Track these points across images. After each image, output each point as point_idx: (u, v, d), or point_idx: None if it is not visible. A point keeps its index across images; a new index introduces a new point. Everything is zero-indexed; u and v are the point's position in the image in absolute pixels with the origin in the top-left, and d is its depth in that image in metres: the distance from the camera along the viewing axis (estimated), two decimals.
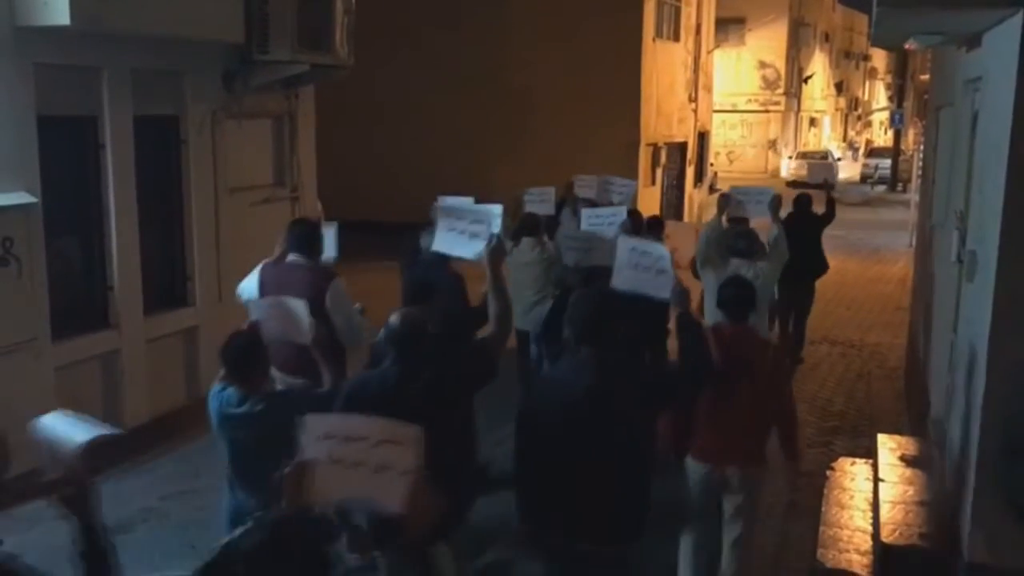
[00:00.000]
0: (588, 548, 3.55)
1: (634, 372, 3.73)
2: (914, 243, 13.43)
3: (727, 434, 4.64)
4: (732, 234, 6.67)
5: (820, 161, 34.96)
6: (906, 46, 6.50)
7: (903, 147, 36.35)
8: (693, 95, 23.32)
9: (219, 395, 4.03)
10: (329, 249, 5.99)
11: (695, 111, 23.58)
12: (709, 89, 25.61)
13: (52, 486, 2.53)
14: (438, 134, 19.62)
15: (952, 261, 5.93)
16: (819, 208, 10.30)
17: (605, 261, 5.35)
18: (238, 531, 2.32)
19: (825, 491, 6.98)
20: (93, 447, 2.66)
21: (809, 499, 6.85)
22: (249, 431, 3.87)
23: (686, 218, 22.29)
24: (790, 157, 38.28)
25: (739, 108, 41.02)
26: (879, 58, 57.64)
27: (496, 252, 4.16)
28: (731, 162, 40.35)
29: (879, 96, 61.59)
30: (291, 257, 5.37)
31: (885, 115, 52.77)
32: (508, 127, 19.13)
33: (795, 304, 9.77)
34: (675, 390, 3.91)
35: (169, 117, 8.23)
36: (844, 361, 10.74)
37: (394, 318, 3.84)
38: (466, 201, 6.88)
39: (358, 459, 2.67)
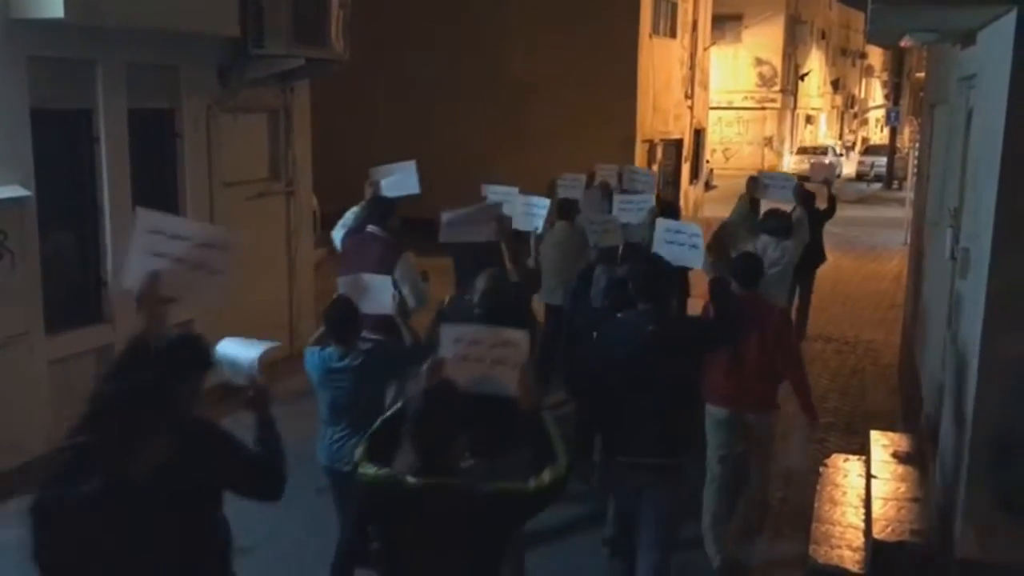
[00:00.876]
0: (654, 462, 4.47)
1: (684, 321, 5.07)
2: (909, 241, 13.45)
3: (741, 383, 5.50)
4: (767, 214, 7.45)
5: (820, 156, 35.07)
6: (902, 43, 6.51)
7: (899, 145, 36.39)
8: (689, 92, 23.33)
9: (319, 354, 4.82)
10: (412, 186, 7.23)
11: (691, 108, 23.60)
12: (705, 86, 25.62)
13: (244, 393, 3.38)
14: (436, 128, 19.59)
15: (946, 258, 5.94)
16: (818, 204, 10.70)
17: (617, 241, 6.56)
18: (389, 411, 3.40)
19: (818, 487, 6.99)
20: (264, 359, 3.71)
21: (802, 495, 6.87)
22: (350, 381, 4.72)
23: (681, 216, 22.26)
24: (791, 152, 38.62)
25: (735, 105, 41.04)
26: (875, 56, 57.72)
27: None
28: (727, 159, 40.37)
29: (875, 94, 61.70)
30: (369, 228, 6.16)
31: (881, 113, 52.80)
32: (506, 122, 19.11)
33: (801, 290, 10.56)
34: (716, 337, 4.86)
35: (164, 111, 8.22)
36: (838, 358, 10.76)
37: (481, 281, 4.79)
38: (511, 191, 7.79)
39: (480, 356, 3.62)
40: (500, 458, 4.24)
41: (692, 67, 23.37)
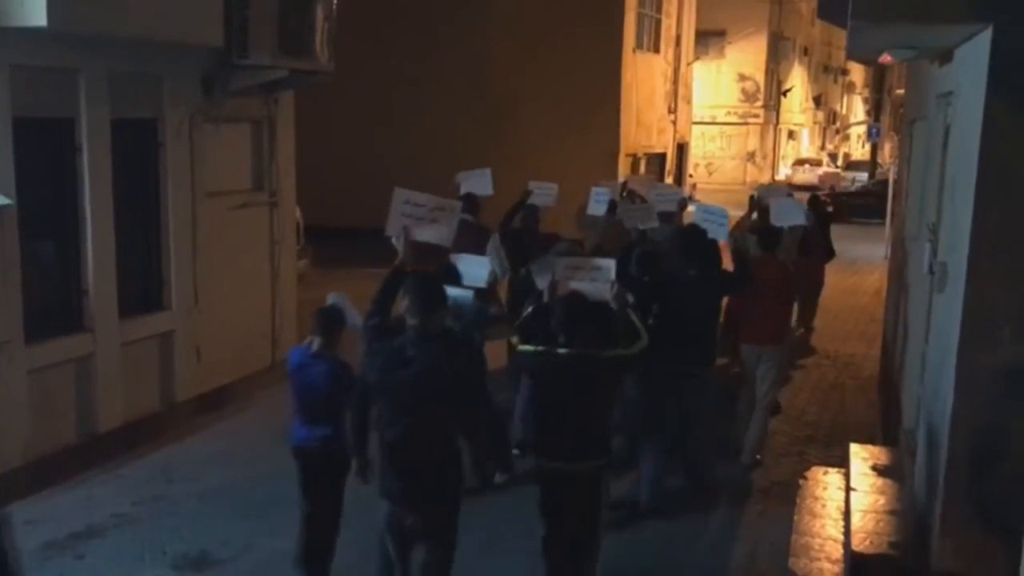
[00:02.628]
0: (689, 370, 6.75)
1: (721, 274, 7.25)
2: (889, 255, 13.54)
3: (759, 324, 7.52)
4: (758, 228, 8.59)
5: (816, 168, 38.47)
6: (881, 59, 6.57)
7: (880, 160, 36.69)
8: (672, 106, 23.46)
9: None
10: (486, 187, 8.73)
11: (674, 122, 23.73)
12: (688, 101, 25.77)
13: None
14: (421, 141, 19.61)
15: (924, 272, 5.98)
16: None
17: (655, 223, 8.24)
18: (528, 310, 5.32)
19: (798, 500, 7.01)
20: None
21: (782, 507, 6.88)
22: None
23: None
24: (795, 163, 40.96)
25: (718, 120, 41.26)
26: (857, 72, 58.17)
27: None
28: (710, 174, 40.55)
29: (857, 110, 62.14)
30: (463, 216, 6.77)
31: (863, 129, 53.27)
32: (490, 136, 19.14)
33: (809, 283, 10.92)
34: (734, 283, 7.11)
35: (147, 120, 8.19)
36: (819, 371, 10.80)
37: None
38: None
39: (581, 276, 5.45)
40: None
41: (675, 82, 23.51)
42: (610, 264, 5.50)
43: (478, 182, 8.68)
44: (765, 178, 38.27)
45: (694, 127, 29.51)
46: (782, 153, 45.12)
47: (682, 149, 25.35)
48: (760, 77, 41.08)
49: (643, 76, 20.98)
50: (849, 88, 60.01)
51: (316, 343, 5.15)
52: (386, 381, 4.23)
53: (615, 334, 5.03)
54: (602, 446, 5.04)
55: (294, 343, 9.71)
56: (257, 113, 9.58)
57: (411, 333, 4.20)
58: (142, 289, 8.26)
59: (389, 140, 19.80)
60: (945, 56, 5.64)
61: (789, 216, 8.40)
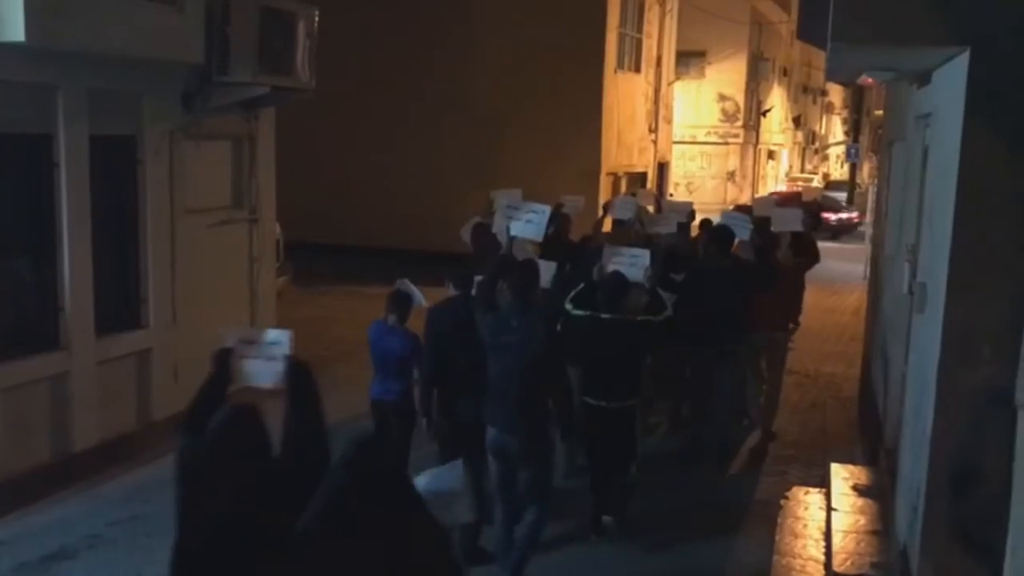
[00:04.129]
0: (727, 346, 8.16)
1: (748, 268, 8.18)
2: (868, 275, 13.64)
3: (761, 316, 8.39)
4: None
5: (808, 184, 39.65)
6: (860, 81, 6.64)
7: (859, 180, 37.04)
8: (653, 126, 23.58)
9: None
10: (537, 232, 8.31)
11: (655, 142, 23.84)
12: (669, 120, 25.91)
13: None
14: (403, 160, 19.65)
15: (903, 293, 6.02)
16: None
17: (673, 228, 10.03)
18: (580, 287, 6.83)
19: (779, 520, 7.02)
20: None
21: (763, 527, 6.89)
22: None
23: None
24: (788, 180, 42.55)
25: (699, 140, 41.50)
26: (836, 93, 58.81)
27: None
28: (691, 193, 40.74)
29: (836, 130, 62.77)
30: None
31: (841, 149, 53.70)
32: (474, 154, 19.19)
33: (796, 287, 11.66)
34: (764, 278, 8.12)
35: (126, 137, 8.15)
36: (799, 390, 10.84)
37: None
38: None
39: (620, 262, 6.95)
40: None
41: (656, 102, 23.64)
42: (645, 252, 7.19)
43: (530, 225, 8.42)
44: (745, 197, 38.50)
45: (675, 147, 29.67)
46: (762, 173, 45.46)
47: (663, 168, 25.47)
48: (740, 98, 41.39)
49: (624, 96, 21.09)
50: (828, 109, 60.64)
51: (391, 319, 6.37)
52: (495, 341, 5.58)
53: (646, 304, 6.67)
54: (635, 389, 6.56)
55: None
56: (238, 130, 9.56)
57: (512, 307, 5.62)
58: (119, 307, 8.19)
59: (371, 158, 19.81)
60: (923, 78, 5.70)
61: (788, 223, 9.15)
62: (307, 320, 12.75)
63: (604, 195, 19.53)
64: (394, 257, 17.07)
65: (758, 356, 9.10)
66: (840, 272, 19.95)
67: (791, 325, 9.33)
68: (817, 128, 58.86)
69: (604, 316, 6.43)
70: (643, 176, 23.24)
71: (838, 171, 55.30)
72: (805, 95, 53.12)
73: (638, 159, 22.62)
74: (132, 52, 7.47)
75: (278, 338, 4.22)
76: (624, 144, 21.33)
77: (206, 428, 3.48)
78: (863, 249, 19.95)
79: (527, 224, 7.84)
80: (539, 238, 8.00)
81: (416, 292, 6.55)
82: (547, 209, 7.98)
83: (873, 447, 7.69)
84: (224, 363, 4.11)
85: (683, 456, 8.25)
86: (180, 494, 3.48)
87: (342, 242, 19.10)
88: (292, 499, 3.30)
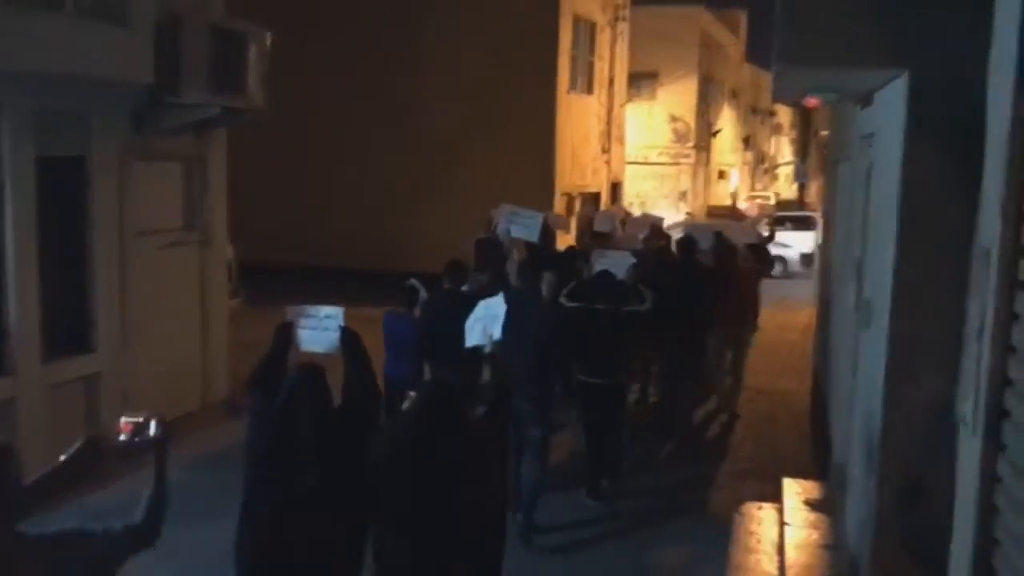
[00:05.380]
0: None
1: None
2: (817, 292, 13.83)
3: (727, 312, 9.73)
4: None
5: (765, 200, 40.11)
6: (805, 102, 6.76)
7: (807, 199, 37.56)
8: (606, 146, 23.76)
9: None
10: (532, 234, 9.82)
11: (608, 162, 24.02)
12: (622, 141, 26.12)
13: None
14: (356, 181, 19.58)
15: (850, 309, 6.11)
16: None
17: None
18: (572, 284, 8.08)
19: (733, 535, 7.05)
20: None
21: (716, 543, 6.91)
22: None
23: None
24: (748, 198, 44.21)
25: (651, 160, 41.85)
26: (784, 114, 59.74)
27: None
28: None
29: (784, 150, 63.71)
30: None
31: (790, 169, 54.57)
32: (424, 178, 19.21)
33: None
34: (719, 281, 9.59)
35: (74, 158, 8.00)
36: (752, 405, 10.92)
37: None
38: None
39: (519, 221, 9.55)
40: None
41: (609, 123, 23.83)
42: (627, 254, 8.74)
43: (526, 227, 9.89)
44: (698, 216, 38.94)
45: (628, 167, 29.89)
46: (713, 191, 45.97)
47: (616, 188, 25.65)
48: (691, 118, 41.89)
49: (577, 117, 21.25)
50: (777, 129, 61.59)
51: (402, 311, 7.43)
52: (513, 322, 6.12)
53: (631, 297, 7.75)
54: (624, 368, 7.88)
55: (226, 385, 9.58)
56: (188, 151, 9.44)
57: (523, 293, 7.01)
58: (68, 330, 8.02)
59: (324, 180, 19.71)
60: (866, 99, 5.81)
61: (745, 236, 10.92)
62: (258, 343, 12.56)
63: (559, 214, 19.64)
64: (353, 277, 17.01)
65: (724, 348, 10.44)
66: (791, 289, 20.21)
67: (751, 320, 10.66)
68: (766, 148, 59.77)
69: (597, 307, 7.54)
70: (596, 196, 23.39)
71: (787, 190, 56.10)
72: (754, 116, 53.93)
73: (592, 179, 22.77)
74: (78, 72, 7.35)
75: (333, 312, 4.92)
76: (578, 164, 21.46)
77: (277, 386, 4.25)
78: (813, 267, 20.23)
79: (524, 227, 9.75)
80: (534, 238, 9.82)
81: (423, 290, 7.62)
82: (538, 215, 10.01)
83: (824, 461, 7.77)
84: (287, 333, 4.83)
85: (656, 429, 9.48)
86: (252, 441, 4.22)
87: (297, 263, 18.94)
88: (353, 439, 4.18)
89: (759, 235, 12.84)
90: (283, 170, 19.63)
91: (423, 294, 7.59)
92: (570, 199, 21.02)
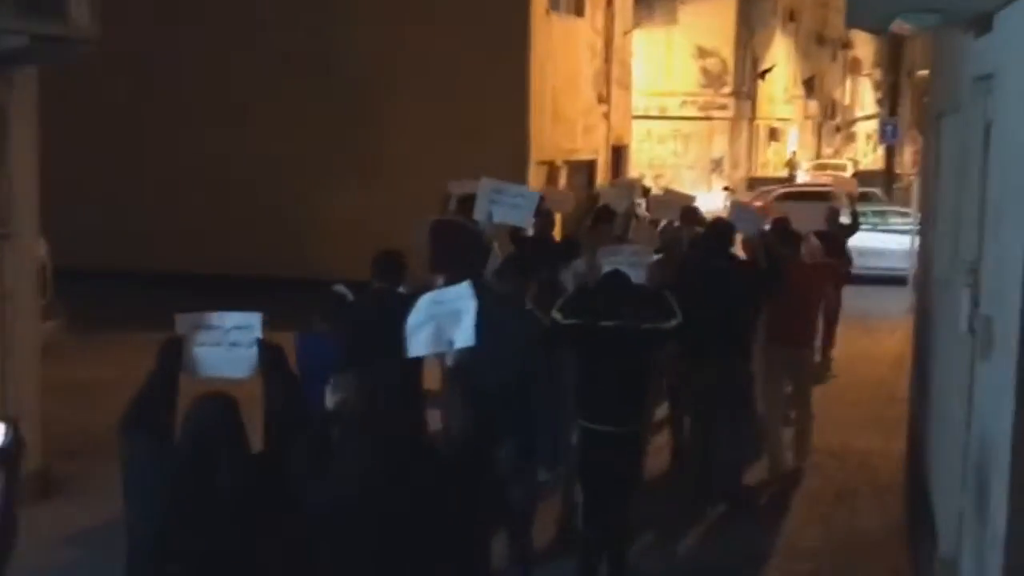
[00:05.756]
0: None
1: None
2: (914, 307, 13.94)
3: (781, 325, 10.50)
4: None
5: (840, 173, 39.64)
6: (894, 28, 6.79)
7: (898, 170, 37.88)
8: (605, 94, 23.86)
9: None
10: (521, 218, 10.57)
11: (607, 116, 24.11)
12: (627, 86, 26.27)
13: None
14: (240, 148, 19.46)
15: (962, 331, 6.14)
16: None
17: None
18: (569, 294, 8.26)
19: None
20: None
21: None
22: None
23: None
24: (815, 168, 44.54)
25: (670, 114, 42.04)
26: (864, 45, 60.17)
27: None
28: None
29: (865, 99, 64.26)
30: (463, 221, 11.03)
31: (873, 125, 55.02)
32: (342, 140, 19.14)
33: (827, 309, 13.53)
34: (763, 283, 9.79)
35: None
36: (819, 476, 10.95)
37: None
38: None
39: (619, 261, 8.50)
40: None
41: (608, 59, 23.95)
42: (649, 249, 9.21)
43: (513, 209, 10.37)
44: (737, 193, 39.14)
45: (636, 123, 30.05)
46: (761, 160, 46.24)
47: (619, 154, 25.76)
48: (728, 52, 42.15)
49: (561, 49, 21.30)
50: (854, 67, 62.16)
51: (323, 329, 7.90)
52: (488, 336, 6.71)
53: (652, 310, 7.74)
54: (639, 410, 7.87)
55: (39, 438, 9.53)
56: None
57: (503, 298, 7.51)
58: None
59: (191, 146, 19.60)
60: (982, 24, 5.85)
61: (813, 221, 11.59)
62: (86, 385, 12.43)
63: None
64: (229, 285, 16.85)
65: (778, 377, 10.74)
66: (875, 303, 20.29)
67: (823, 343, 11.36)
68: (838, 95, 60.21)
69: (604, 324, 7.55)
70: (590, 165, 23.45)
71: (869, 156, 56.63)
72: (820, 48, 54.37)
73: (583, 141, 22.83)
74: None
75: (245, 321, 5.09)
76: (563, 119, 21.51)
77: (164, 428, 4.63)
78: (907, 269, 20.34)
79: (512, 209, 10.15)
80: (525, 224, 10.53)
81: (350, 296, 8.00)
82: (536, 195, 10.64)
83: (925, 555, 7.81)
84: (176, 353, 5.01)
85: (692, 497, 9.73)
86: (139, 497, 4.57)
87: (140, 267, 18.80)
88: (282, 493, 4.54)
89: (835, 221, 13.58)
90: (114, 134, 19.49)
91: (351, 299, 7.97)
92: (551, 170, 21.08)
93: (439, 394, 9.45)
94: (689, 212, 12.86)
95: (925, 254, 11.35)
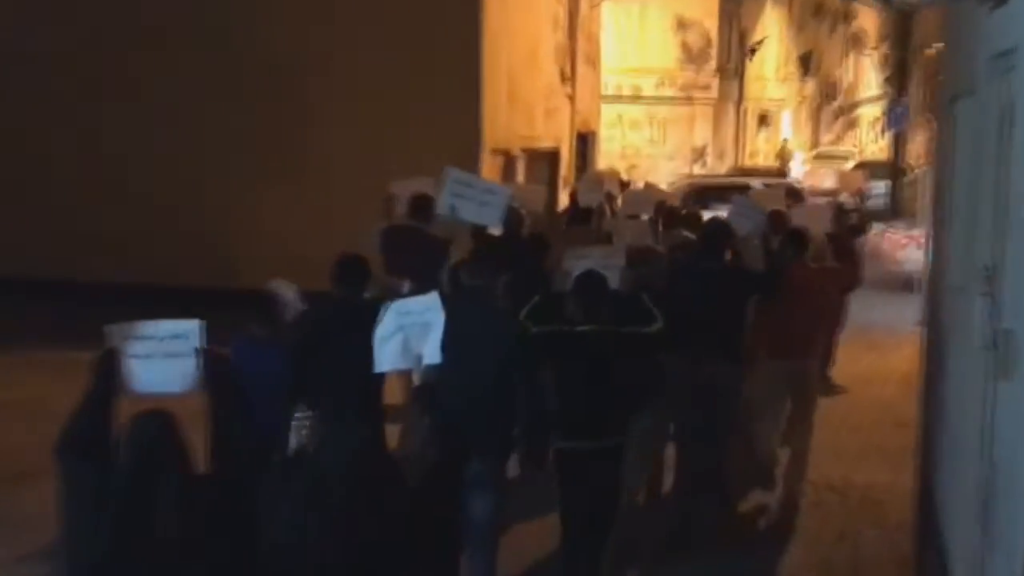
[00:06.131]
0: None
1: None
2: (925, 318, 14.01)
3: (782, 336, 10.84)
4: None
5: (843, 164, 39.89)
6: None
7: (906, 161, 38.11)
8: (569, 72, 23.89)
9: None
10: (493, 217, 11.10)
11: (572, 98, 24.15)
12: (595, 63, 26.33)
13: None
14: (141, 141, 19.38)
15: (979, 346, 6.17)
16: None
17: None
18: (536, 299, 8.54)
19: None
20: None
21: None
22: None
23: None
24: (815, 157, 44.63)
25: (645, 95, 42.08)
26: (867, 17, 60.52)
27: None
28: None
29: (869, 78, 64.57)
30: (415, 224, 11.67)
31: (879, 109, 55.36)
32: (258, 133, 19.10)
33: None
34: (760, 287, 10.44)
35: None
36: (818, 513, 10.98)
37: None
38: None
39: (596, 263, 9.00)
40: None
41: (572, 32, 23.99)
42: (620, 248, 9.79)
43: (483, 208, 10.89)
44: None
45: (605, 106, 30.12)
46: (750, 148, 46.40)
47: (586, 142, 25.78)
48: (711, 24, 42.25)
49: (518, 20, 21.33)
50: (856, 43, 62.43)
51: (261, 334, 7.88)
52: (455, 342, 7.05)
53: (631, 313, 8.21)
54: (622, 423, 8.25)
55: None
56: None
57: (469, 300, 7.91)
58: None
59: (87, 138, 19.52)
60: None
61: (818, 220, 11.92)
62: None
63: None
64: (144, 296, 16.78)
65: (777, 393, 11.00)
66: (880, 314, 20.39)
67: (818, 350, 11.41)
68: (839, 74, 60.51)
69: (580, 329, 8.03)
70: (553, 154, 23.47)
71: (873, 145, 56.96)
72: (818, 20, 54.63)
73: (544, 127, 22.87)
74: None
75: (183, 329, 5.27)
76: (520, 102, 21.52)
77: (100, 450, 4.79)
78: (916, 275, 20.46)
79: (482, 208, 10.67)
80: (496, 223, 10.97)
81: (295, 296, 8.09)
82: (507, 191, 11.31)
83: None
84: (108, 370, 5.14)
85: (670, 538, 9.86)
86: (77, 525, 4.82)
87: (50, 276, 18.68)
88: (231, 518, 4.76)
89: (840, 221, 14.08)
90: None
91: (296, 305, 8.00)
92: (507, 160, 21.09)
93: (400, 409, 9.89)
94: (664, 208, 13.40)
95: (937, 258, 11.42)
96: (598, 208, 12.95)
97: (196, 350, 5.24)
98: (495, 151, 20.30)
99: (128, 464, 4.70)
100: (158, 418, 4.77)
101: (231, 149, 19.19)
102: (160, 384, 5.23)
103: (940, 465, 8.84)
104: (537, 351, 7.93)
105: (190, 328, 5.30)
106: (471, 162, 19.21)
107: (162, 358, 5.22)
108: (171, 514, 4.64)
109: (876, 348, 18.30)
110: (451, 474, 5.33)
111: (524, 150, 21.83)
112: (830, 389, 15.11)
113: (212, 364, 5.24)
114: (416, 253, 10.54)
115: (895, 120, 34.58)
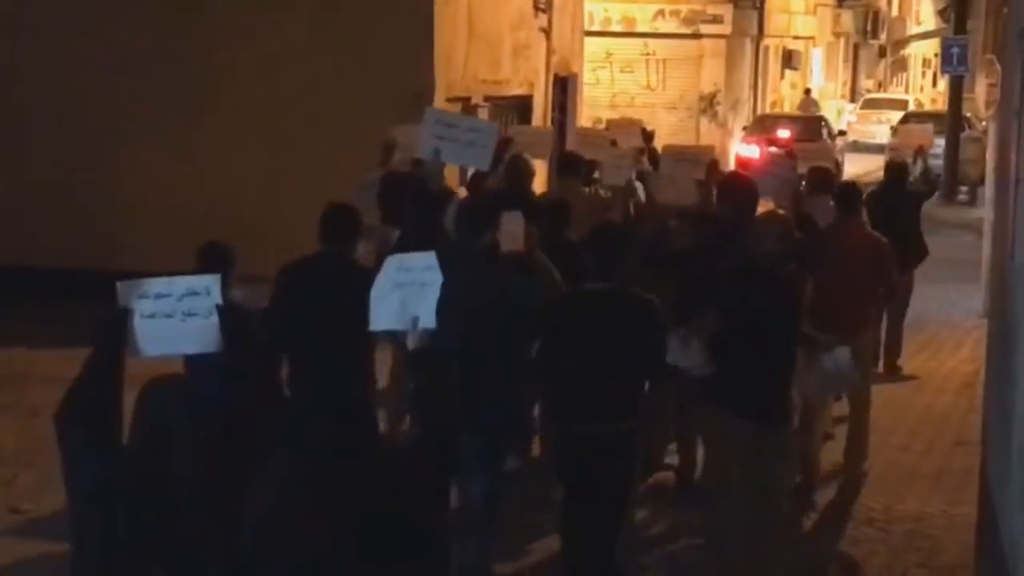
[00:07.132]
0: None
1: None
2: (990, 308, 14.09)
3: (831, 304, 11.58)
4: None
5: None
6: None
7: (967, 112, 38.20)
8: (542, 1, 23.92)
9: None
10: (481, 158, 11.80)
11: (547, 33, 24.18)
12: None
13: None
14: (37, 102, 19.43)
15: None
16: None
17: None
18: None
19: None
20: None
21: None
22: None
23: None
24: (864, 105, 46.29)
25: (640, 30, 42.10)
26: None
27: None
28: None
29: (921, 9, 64.82)
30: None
31: (933, 48, 55.52)
32: (164, 73, 19.10)
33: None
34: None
35: None
36: (857, 549, 11.06)
37: None
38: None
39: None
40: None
41: None
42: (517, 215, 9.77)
43: (466, 150, 11.48)
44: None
45: (590, 42, 30.14)
46: (772, 96, 46.45)
47: (566, 88, 25.81)
48: None
49: None
50: None
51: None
52: (452, 298, 7.49)
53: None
54: (634, 406, 8.46)
55: None
56: None
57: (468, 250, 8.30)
58: None
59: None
60: None
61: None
62: None
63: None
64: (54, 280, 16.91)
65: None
66: (935, 303, 20.44)
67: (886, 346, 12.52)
68: (883, 5, 60.65)
69: (591, 287, 8.48)
70: (524, 103, 23.51)
71: (927, 91, 57.13)
72: None
73: (512, 69, 22.91)
74: None
75: (201, 285, 5.67)
76: (483, 39, 21.58)
77: (107, 420, 5.26)
78: (978, 255, 20.54)
79: (467, 148, 11.26)
80: (485, 166, 11.68)
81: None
82: (493, 128, 11.98)
83: None
84: (118, 331, 5.51)
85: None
86: (85, 496, 5.33)
87: None
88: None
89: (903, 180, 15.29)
90: None
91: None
92: (466, 110, 21.10)
93: (387, 392, 10.75)
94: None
95: (1004, 235, 11.48)
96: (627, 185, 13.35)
97: (216, 307, 5.66)
98: (452, 99, 20.31)
99: (143, 427, 5.32)
100: (172, 382, 5.39)
101: (123, 97, 19.19)
102: (175, 345, 5.66)
103: (1008, 492, 8.92)
104: (544, 316, 8.40)
105: (208, 284, 5.69)
106: (420, 113, 19.25)
107: (180, 317, 5.59)
108: (194, 481, 5.23)
109: (929, 346, 18.34)
110: (439, 450, 5.56)
111: (488, 98, 21.83)
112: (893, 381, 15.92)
113: (231, 322, 5.64)
114: (416, 203, 10.84)
115: (953, 61, 34.57)
